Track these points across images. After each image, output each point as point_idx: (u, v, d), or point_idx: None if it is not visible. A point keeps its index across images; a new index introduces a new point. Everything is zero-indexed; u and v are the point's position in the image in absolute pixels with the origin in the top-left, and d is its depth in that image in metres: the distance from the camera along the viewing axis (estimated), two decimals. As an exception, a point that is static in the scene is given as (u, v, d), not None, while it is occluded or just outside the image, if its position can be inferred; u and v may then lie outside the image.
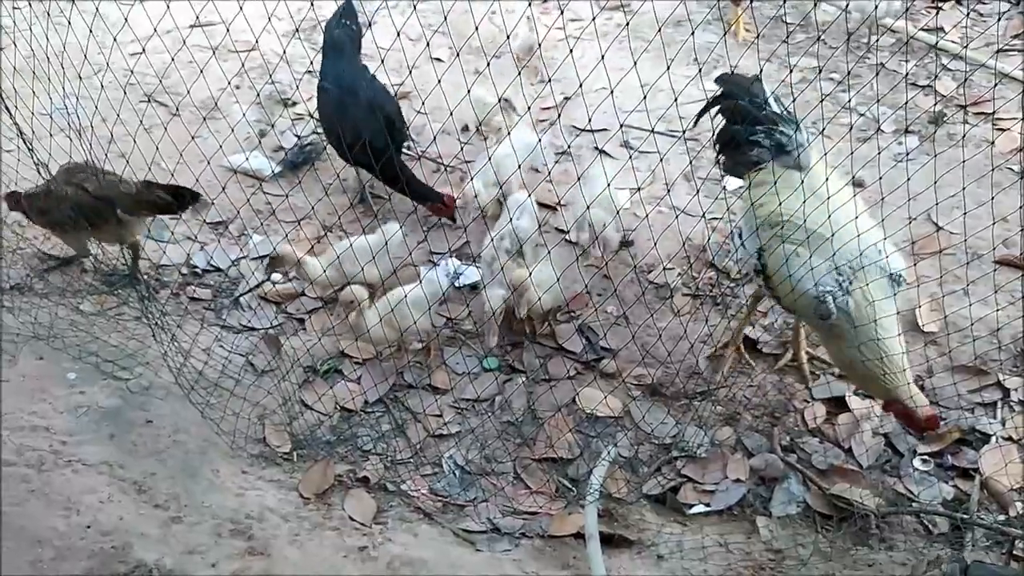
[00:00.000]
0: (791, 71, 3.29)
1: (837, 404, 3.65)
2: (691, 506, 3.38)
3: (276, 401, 3.65)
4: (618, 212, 4.15)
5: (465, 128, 4.96)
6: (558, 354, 3.93)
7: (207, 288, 4.22)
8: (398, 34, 3.08)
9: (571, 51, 2.81)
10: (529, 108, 3.86)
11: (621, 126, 3.29)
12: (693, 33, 3.14)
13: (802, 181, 3.22)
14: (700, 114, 3.76)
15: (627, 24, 2.83)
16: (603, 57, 2.63)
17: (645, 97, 2.77)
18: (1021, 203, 3.64)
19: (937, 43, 5.53)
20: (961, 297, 3.59)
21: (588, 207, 3.96)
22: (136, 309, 3.95)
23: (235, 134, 3.81)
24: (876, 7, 5.20)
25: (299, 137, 4.98)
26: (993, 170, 3.70)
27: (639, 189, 4.32)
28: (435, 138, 3.63)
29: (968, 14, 5.84)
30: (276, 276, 4.25)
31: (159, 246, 4.23)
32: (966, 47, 5.45)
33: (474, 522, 3.30)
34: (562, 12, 5.67)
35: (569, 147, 4.81)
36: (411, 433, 3.62)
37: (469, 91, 2.98)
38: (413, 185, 4.21)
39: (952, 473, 3.42)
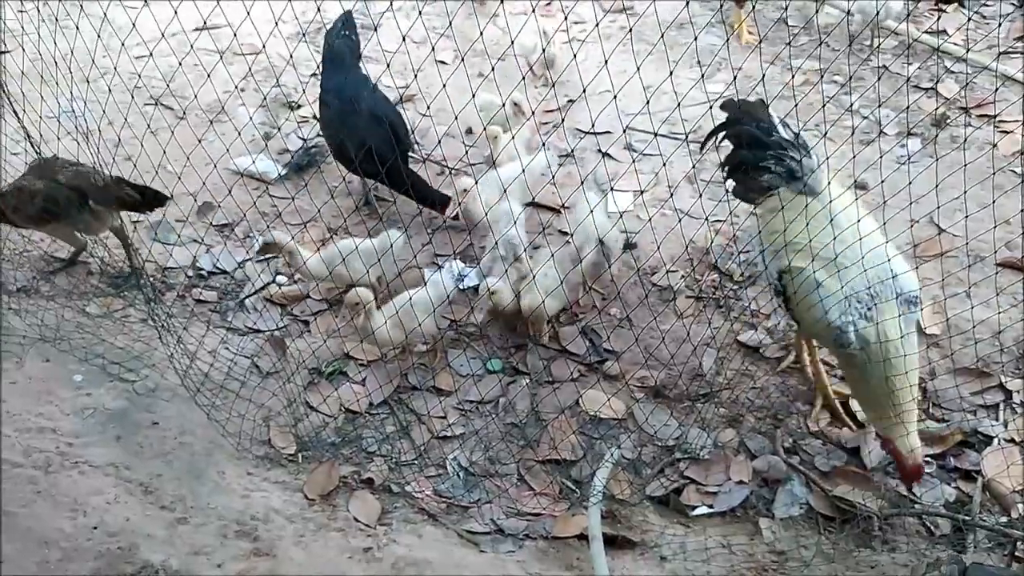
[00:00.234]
0: (794, 74, 3.30)
1: (841, 406, 3.66)
2: (694, 508, 3.39)
3: (281, 403, 3.67)
4: (621, 215, 4.15)
5: (469, 131, 4.98)
6: (562, 356, 3.94)
7: (213, 290, 4.24)
8: (404, 38, 3.10)
9: (575, 55, 2.83)
10: (534, 112, 3.88)
11: (625, 129, 3.30)
12: (696, 37, 3.14)
13: (826, 210, 3.19)
14: (707, 139, 3.77)
15: (631, 29, 2.83)
16: (607, 60, 2.64)
17: (649, 100, 2.78)
18: (1023, 206, 3.64)
19: (940, 46, 5.54)
20: (963, 300, 3.60)
21: (601, 240, 3.89)
22: (142, 311, 3.97)
23: (241, 137, 3.82)
24: (878, 13, 5.21)
25: (304, 140, 5.00)
26: (995, 173, 3.70)
27: (643, 192, 4.34)
28: (440, 141, 3.65)
29: (970, 17, 5.85)
30: (281, 278, 4.27)
31: (165, 248, 4.25)
32: (969, 50, 5.46)
33: (478, 523, 3.31)
34: (566, 16, 5.68)
35: (573, 151, 4.82)
36: (415, 435, 3.63)
37: (474, 95, 2.99)
38: (418, 188, 4.23)
39: (954, 475, 3.42)
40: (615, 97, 2.81)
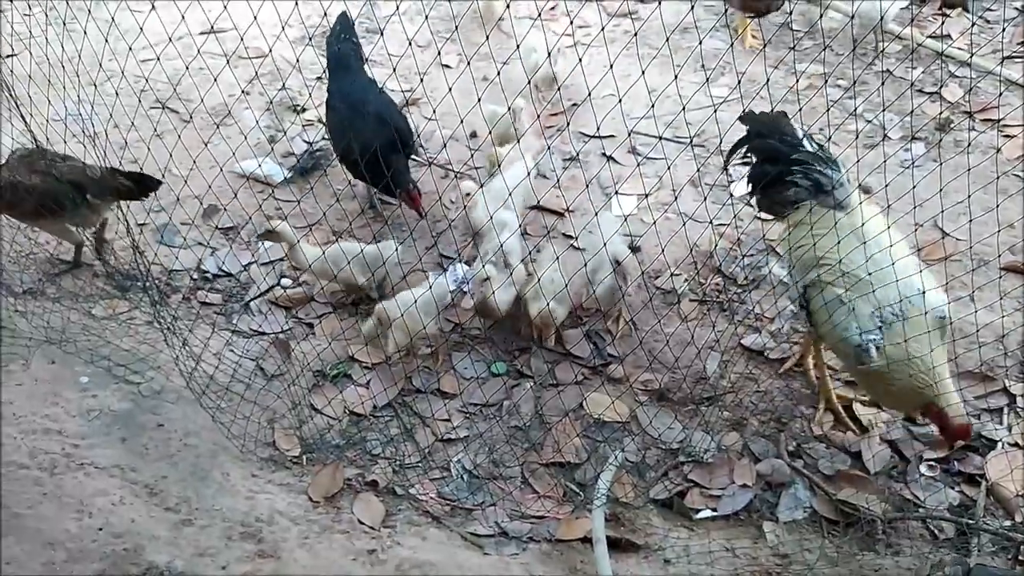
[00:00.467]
0: (798, 78, 3.31)
1: (844, 410, 3.66)
2: (698, 511, 3.39)
3: (286, 405, 3.68)
4: (624, 219, 4.16)
5: (474, 134, 4.99)
6: (566, 359, 3.94)
7: (218, 293, 4.25)
8: (410, 43, 3.11)
9: (580, 59, 2.84)
10: (539, 116, 3.88)
11: (629, 133, 3.31)
12: (701, 41, 3.15)
13: (854, 226, 3.16)
14: (731, 152, 3.75)
15: (635, 33, 2.83)
16: (611, 64, 2.65)
17: (653, 104, 2.79)
18: (1027, 210, 3.65)
19: (944, 50, 5.54)
20: (967, 303, 3.59)
21: (613, 271, 3.87)
22: (147, 313, 3.98)
23: (246, 140, 3.84)
24: (882, 18, 5.22)
25: (309, 143, 5.01)
26: (999, 177, 3.71)
27: (647, 195, 4.34)
28: (445, 144, 3.66)
29: (975, 21, 5.86)
30: (286, 280, 4.29)
31: (171, 251, 4.26)
32: (973, 54, 5.46)
33: (482, 526, 3.32)
34: (571, 21, 5.69)
35: (578, 154, 4.83)
36: (419, 437, 3.64)
37: (480, 99, 3.00)
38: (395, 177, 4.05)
39: (958, 479, 3.42)
40: (619, 101, 2.82)
